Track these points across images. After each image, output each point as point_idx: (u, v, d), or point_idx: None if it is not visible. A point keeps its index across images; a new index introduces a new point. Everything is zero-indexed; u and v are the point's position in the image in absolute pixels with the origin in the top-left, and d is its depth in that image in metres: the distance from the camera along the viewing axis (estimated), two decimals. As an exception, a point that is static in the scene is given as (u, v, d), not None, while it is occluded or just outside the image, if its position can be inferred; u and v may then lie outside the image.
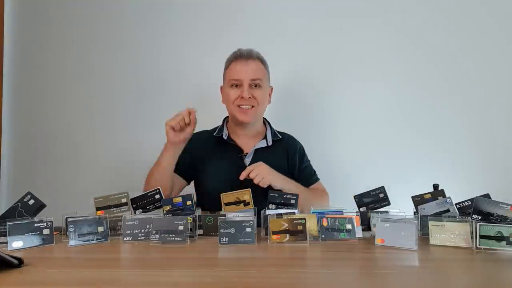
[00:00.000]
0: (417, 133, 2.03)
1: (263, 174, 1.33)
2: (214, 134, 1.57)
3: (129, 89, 2.12)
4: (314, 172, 1.65)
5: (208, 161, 1.54)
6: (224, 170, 1.50)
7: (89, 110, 2.13)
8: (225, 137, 1.55)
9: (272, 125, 1.64)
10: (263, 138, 1.57)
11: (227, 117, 1.61)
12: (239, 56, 1.49)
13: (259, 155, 1.52)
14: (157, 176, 1.38)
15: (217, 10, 2.09)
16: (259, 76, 1.48)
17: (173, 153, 1.39)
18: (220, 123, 1.63)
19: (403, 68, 2.03)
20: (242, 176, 1.34)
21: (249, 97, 1.46)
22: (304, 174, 1.59)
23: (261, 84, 1.49)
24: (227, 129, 1.58)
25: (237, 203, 1.22)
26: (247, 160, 1.52)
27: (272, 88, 1.58)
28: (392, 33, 2.04)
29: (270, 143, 1.56)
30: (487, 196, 1.13)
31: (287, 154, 1.58)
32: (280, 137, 1.60)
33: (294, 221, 1.07)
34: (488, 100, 2.00)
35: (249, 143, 1.56)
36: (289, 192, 1.27)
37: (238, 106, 1.48)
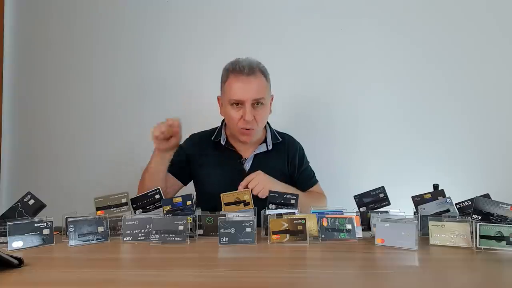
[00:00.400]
0: (417, 133, 2.03)
1: (263, 183, 1.30)
2: (212, 138, 1.53)
3: (129, 89, 2.12)
4: (313, 174, 1.63)
5: (207, 166, 1.51)
6: (223, 176, 1.48)
7: (89, 110, 2.13)
8: (223, 143, 1.51)
9: (272, 126, 1.61)
10: (263, 142, 1.54)
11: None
12: (239, 72, 1.37)
13: (259, 159, 1.50)
14: (148, 183, 1.35)
15: (217, 10, 2.10)
16: (261, 94, 1.38)
17: (160, 159, 1.35)
18: (219, 123, 1.60)
19: (403, 68, 2.04)
20: (242, 186, 1.30)
21: (252, 119, 1.38)
22: (303, 177, 1.58)
23: (264, 101, 1.41)
24: (225, 134, 1.54)
25: (237, 203, 1.22)
26: (247, 165, 1.50)
27: (272, 97, 1.52)
28: (392, 33, 2.04)
29: (270, 147, 1.52)
30: (487, 196, 1.13)
31: (287, 157, 1.56)
32: (280, 139, 1.56)
33: (294, 221, 1.07)
34: (488, 100, 2.00)
35: (248, 148, 1.53)
36: None
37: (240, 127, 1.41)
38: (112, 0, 2.14)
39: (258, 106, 1.40)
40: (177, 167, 1.48)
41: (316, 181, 1.62)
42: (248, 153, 1.52)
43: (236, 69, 1.38)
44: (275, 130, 1.61)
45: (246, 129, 1.41)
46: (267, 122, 1.61)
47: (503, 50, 2.00)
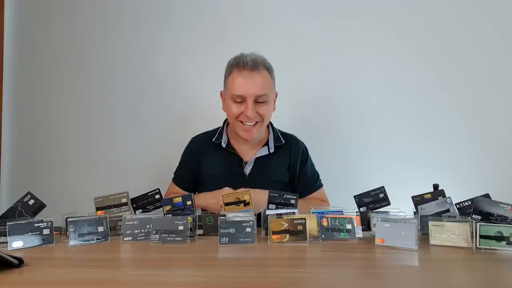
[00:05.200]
0: (417, 134, 2.03)
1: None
2: (213, 140, 1.49)
3: (129, 89, 2.12)
4: (317, 177, 1.55)
5: (208, 169, 1.48)
6: (224, 179, 1.41)
7: (89, 110, 2.13)
8: (224, 145, 1.46)
9: (275, 126, 1.56)
10: (265, 145, 1.48)
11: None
12: (243, 66, 1.32)
13: (260, 163, 1.46)
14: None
15: (217, 10, 2.09)
16: (265, 91, 1.33)
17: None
18: (221, 124, 1.58)
19: (403, 68, 2.03)
20: None
21: (254, 115, 1.34)
22: (304, 181, 1.50)
23: (267, 98, 1.35)
24: (227, 135, 1.50)
25: (237, 203, 1.22)
26: (247, 169, 1.46)
27: (276, 94, 1.47)
28: (392, 33, 2.04)
29: (272, 150, 1.46)
30: (487, 196, 1.13)
31: (289, 161, 1.49)
32: (283, 141, 1.49)
33: (294, 221, 1.07)
34: (487, 101, 2.00)
35: (250, 151, 1.47)
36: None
37: (241, 121, 1.37)
38: (112, 0, 2.13)
39: (261, 103, 1.35)
40: (183, 179, 1.49)
41: (319, 186, 1.52)
42: (249, 156, 1.47)
43: (240, 64, 1.34)
44: (279, 131, 1.55)
45: (247, 125, 1.36)
46: (271, 123, 1.55)
47: (501, 52, 2.00)
